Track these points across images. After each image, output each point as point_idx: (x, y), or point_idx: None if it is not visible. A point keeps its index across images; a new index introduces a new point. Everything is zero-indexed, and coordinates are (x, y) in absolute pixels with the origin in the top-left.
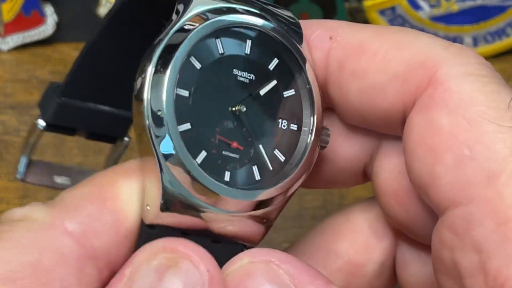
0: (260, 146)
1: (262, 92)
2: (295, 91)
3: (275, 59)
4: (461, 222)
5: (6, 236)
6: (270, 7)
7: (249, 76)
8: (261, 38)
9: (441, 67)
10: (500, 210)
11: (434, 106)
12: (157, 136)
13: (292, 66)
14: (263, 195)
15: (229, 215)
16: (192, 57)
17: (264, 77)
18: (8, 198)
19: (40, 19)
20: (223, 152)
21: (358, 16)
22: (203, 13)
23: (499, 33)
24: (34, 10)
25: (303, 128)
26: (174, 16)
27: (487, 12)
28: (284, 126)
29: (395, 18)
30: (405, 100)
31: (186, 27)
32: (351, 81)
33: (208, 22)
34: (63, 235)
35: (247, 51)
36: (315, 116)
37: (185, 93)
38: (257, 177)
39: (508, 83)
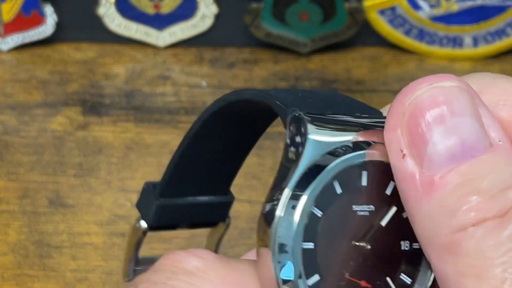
0: (388, 278)
1: (384, 222)
2: None
3: (391, 182)
4: None
5: None
6: (369, 121)
7: (368, 208)
8: (373, 165)
9: None
10: None
11: None
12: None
13: None
14: None
15: None
16: (314, 207)
17: (383, 204)
18: (8, 198)
19: (40, 19)
20: None
21: (358, 16)
22: (318, 162)
23: (499, 33)
24: (34, 10)
25: None
26: (287, 141)
27: (487, 12)
28: (406, 247)
29: (395, 18)
30: None
31: (305, 178)
32: None
33: (325, 170)
34: None
35: (364, 183)
36: None
37: (310, 245)
38: None
39: None
